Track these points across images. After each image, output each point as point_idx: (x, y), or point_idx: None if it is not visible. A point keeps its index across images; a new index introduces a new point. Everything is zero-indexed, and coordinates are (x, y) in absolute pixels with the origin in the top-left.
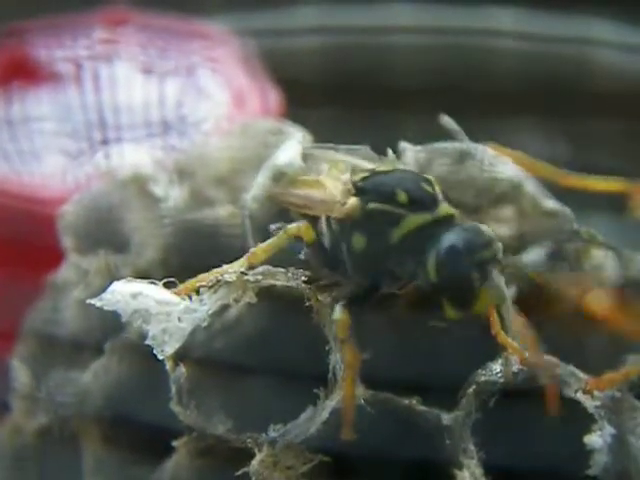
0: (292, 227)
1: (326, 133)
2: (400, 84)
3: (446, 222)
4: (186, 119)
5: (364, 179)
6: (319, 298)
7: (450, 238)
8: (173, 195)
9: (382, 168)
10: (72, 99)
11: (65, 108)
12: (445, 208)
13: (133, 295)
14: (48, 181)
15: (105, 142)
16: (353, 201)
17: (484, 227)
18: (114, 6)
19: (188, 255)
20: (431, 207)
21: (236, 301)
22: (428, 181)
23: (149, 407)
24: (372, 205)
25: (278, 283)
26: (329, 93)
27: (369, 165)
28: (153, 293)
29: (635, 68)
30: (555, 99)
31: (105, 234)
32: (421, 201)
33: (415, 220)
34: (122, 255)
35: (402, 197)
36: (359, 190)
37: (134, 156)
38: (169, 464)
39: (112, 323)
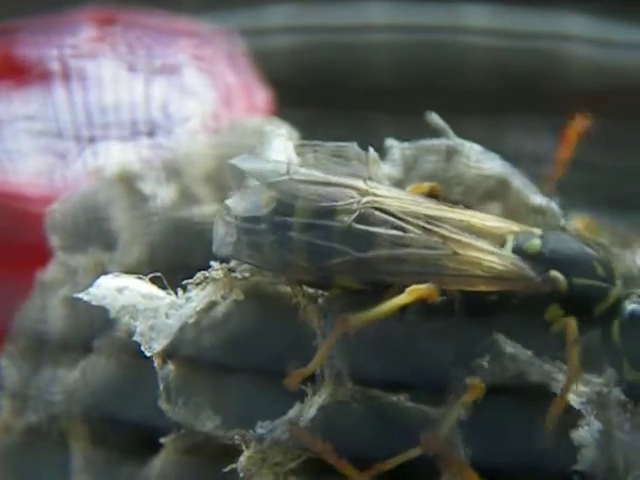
0: (418, 289)
1: (302, 132)
2: (375, 82)
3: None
4: (173, 117)
5: (540, 249)
6: (305, 295)
7: (632, 304)
8: (161, 193)
9: (540, 232)
10: (59, 98)
11: (52, 107)
12: (621, 278)
13: (119, 289)
14: (35, 180)
15: (92, 141)
16: (555, 275)
17: None
18: (101, 5)
19: (175, 253)
20: (618, 277)
21: (223, 298)
22: (600, 245)
23: (137, 405)
24: (578, 280)
25: (265, 280)
26: (303, 92)
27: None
28: (139, 287)
29: (610, 62)
30: (533, 95)
31: (93, 232)
32: (613, 272)
33: (616, 292)
34: (110, 253)
35: (600, 270)
36: (540, 261)
37: (121, 154)
38: (157, 461)
39: (100, 321)
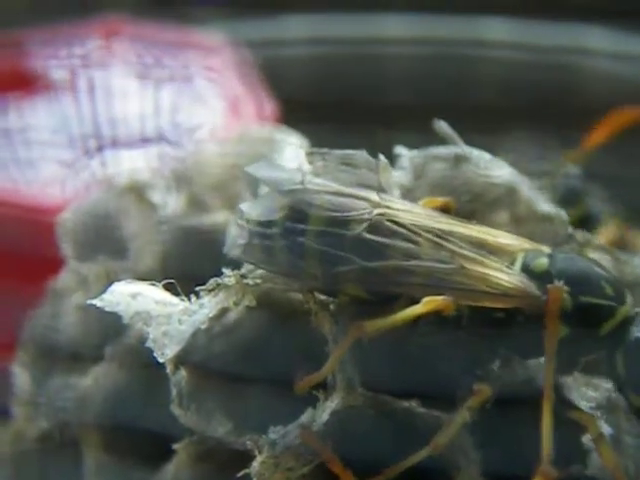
0: (434, 300)
1: (317, 144)
2: (392, 94)
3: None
4: (182, 127)
5: (547, 268)
6: (317, 301)
7: (635, 332)
8: (171, 202)
9: (549, 251)
10: (68, 108)
11: (61, 117)
12: (631, 297)
13: (132, 295)
14: (46, 189)
15: (101, 150)
16: (560, 293)
17: None
18: (110, 16)
19: (186, 261)
20: (627, 296)
21: (235, 304)
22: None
23: (149, 411)
24: (584, 299)
25: (277, 287)
26: (319, 104)
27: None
28: (153, 294)
29: (627, 75)
30: (549, 109)
31: (104, 241)
32: (621, 291)
33: (623, 312)
34: (121, 261)
35: (608, 290)
36: (547, 280)
37: (130, 164)
38: (170, 467)
39: (112, 328)
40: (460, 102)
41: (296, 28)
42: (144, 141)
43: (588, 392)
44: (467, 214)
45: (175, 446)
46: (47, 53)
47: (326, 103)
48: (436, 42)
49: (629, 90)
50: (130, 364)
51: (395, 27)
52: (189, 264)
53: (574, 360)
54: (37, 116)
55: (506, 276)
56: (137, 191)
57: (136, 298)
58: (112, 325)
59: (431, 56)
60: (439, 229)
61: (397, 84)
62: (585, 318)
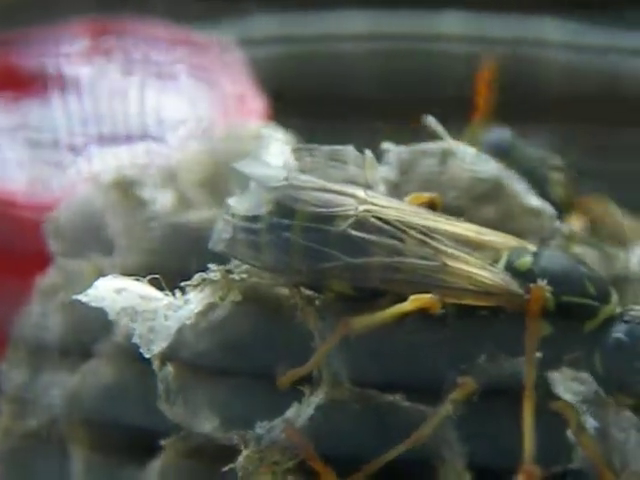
0: (420, 298)
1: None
2: (354, 91)
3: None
4: (168, 123)
5: (530, 266)
6: (303, 297)
7: (616, 332)
8: (159, 198)
9: (534, 249)
10: (55, 106)
11: (48, 115)
12: (615, 296)
13: (117, 291)
14: (32, 187)
15: (88, 147)
16: (542, 293)
17: None
18: (97, 16)
19: (173, 258)
20: (610, 295)
21: (222, 299)
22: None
23: (137, 408)
24: (566, 298)
25: (263, 282)
26: (286, 102)
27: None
28: (137, 289)
29: (586, 67)
30: (509, 100)
31: (92, 238)
32: (605, 290)
33: (606, 311)
34: (109, 258)
35: (591, 289)
36: (531, 278)
37: (117, 161)
38: (157, 464)
39: (100, 325)
40: (422, 96)
41: (265, 27)
42: (131, 138)
43: (575, 386)
44: (455, 210)
45: (163, 442)
46: (33, 53)
47: (291, 101)
48: (392, 37)
49: (584, 80)
50: (118, 361)
51: (359, 23)
52: (177, 261)
53: (557, 357)
54: (24, 114)
55: (489, 274)
56: (124, 187)
57: (121, 293)
58: (100, 322)
59: (390, 51)
60: (424, 226)
61: (358, 80)
62: (568, 317)
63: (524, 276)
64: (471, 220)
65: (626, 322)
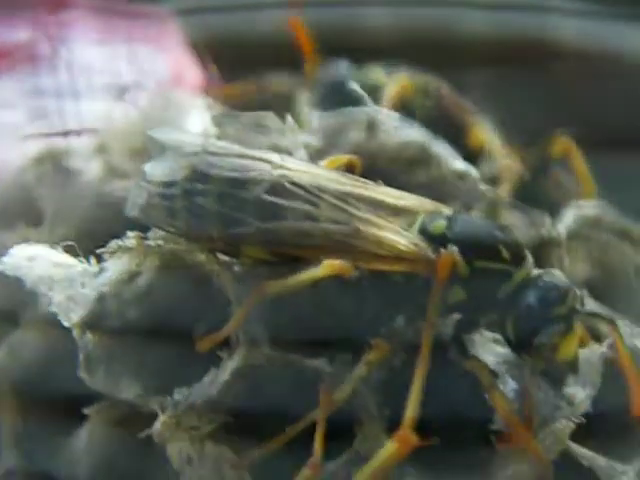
0: (332, 264)
1: None
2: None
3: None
4: (122, 94)
5: (444, 231)
6: (219, 263)
7: (528, 297)
8: (89, 169)
9: (449, 213)
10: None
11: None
12: (530, 259)
13: (30, 258)
14: None
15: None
16: (456, 258)
17: (561, 280)
18: None
19: (100, 227)
20: (525, 259)
21: (138, 266)
22: (507, 229)
23: (65, 378)
24: (480, 263)
25: (180, 248)
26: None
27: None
28: (51, 256)
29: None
30: (426, 52)
31: (21, 210)
32: (519, 255)
33: (521, 275)
34: (38, 229)
35: (505, 253)
36: (443, 242)
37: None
38: (83, 432)
39: (26, 296)
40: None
41: None
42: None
43: (495, 347)
44: (387, 177)
45: (87, 411)
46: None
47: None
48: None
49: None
50: (45, 331)
51: None
52: (104, 230)
53: (473, 321)
54: None
55: (401, 239)
56: (54, 159)
57: (33, 261)
58: (26, 292)
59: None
60: (340, 191)
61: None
62: (481, 282)
63: (437, 240)
64: (404, 186)
65: (539, 287)
